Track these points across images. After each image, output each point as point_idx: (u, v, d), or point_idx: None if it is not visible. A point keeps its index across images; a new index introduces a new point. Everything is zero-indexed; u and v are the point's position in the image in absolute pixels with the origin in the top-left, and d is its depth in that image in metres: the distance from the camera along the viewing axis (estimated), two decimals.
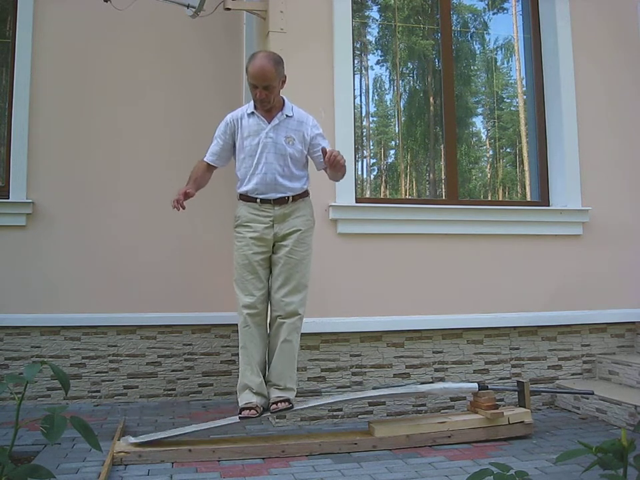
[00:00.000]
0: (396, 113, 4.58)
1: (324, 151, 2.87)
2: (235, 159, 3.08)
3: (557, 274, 3.95)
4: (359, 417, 3.50)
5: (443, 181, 4.24)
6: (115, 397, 4.08)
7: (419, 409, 3.62)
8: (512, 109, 4.75)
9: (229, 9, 3.66)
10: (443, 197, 4.20)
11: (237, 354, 3.13)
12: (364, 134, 4.50)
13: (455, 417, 3.18)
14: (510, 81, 4.77)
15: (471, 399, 3.31)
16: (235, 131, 3.02)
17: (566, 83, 4.10)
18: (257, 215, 2.95)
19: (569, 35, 4.13)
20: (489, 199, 4.64)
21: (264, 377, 2.98)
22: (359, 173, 4.39)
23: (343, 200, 3.62)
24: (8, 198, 4.06)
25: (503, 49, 4.73)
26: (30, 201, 4.06)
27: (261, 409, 2.90)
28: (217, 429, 3.02)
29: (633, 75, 4.24)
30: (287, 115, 2.98)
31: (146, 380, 4.15)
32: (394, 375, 3.62)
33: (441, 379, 3.66)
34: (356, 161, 4.05)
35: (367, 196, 4.29)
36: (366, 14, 4.46)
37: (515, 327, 3.84)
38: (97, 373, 4.09)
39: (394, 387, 3.49)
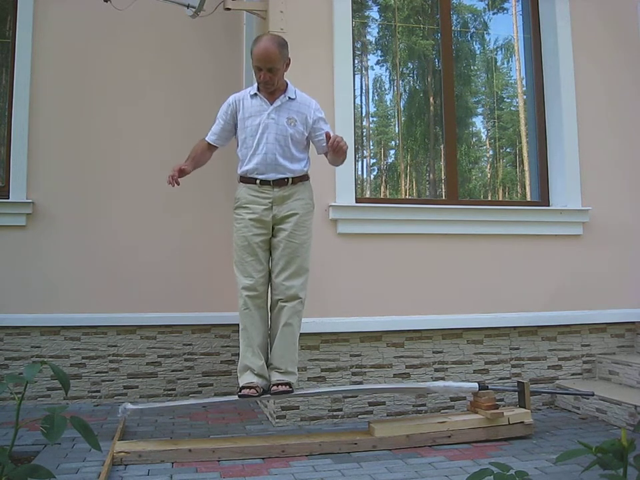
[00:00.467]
0: (396, 113, 4.58)
1: (327, 136, 2.89)
2: (237, 139, 3.09)
3: (557, 274, 3.95)
4: (359, 417, 3.50)
5: (443, 181, 4.23)
6: (115, 397, 4.08)
7: (419, 409, 3.62)
8: (512, 108, 4.75)
9: (229, 9, 3.66)
10: (443, 197, 4.20)
11: (237, 354, 3.13)
12: (364, 134, 4.50)
13: (455, 417, 3.18)
14: (510, 81, 4.77)
15: (471, 398, 3.31)
16: (237, 111, 3.03)
17: (566, 83, 4.10)
18: (256, 197, 2.95)
19: (569, 35, 4.13)
20: (489, 198, 4.64)
21: (266, 360, 2.97)
22: (359, 173, 4.39)
23: (343, 200, 3.62)
24: (8, 198, 4.07)
25: (503, 49, 4.73)
26: (30, 201, 4.06)
27: (261, 389, 2.88)
28: (217, 429, 3.02)
29: (633, 75, 4.24)
30: (289, 97, 2.99)
31: (146, 380, 4.15)
32: (394, 374, 3.62)
33: (441, 379, 3.65)
34: (356, 161, 4.05)
35: (367, 196, 4.29)
36: (366, 14, 4.46)
37: (514, 327, 3.84)
38: (96, 372, 4.09)
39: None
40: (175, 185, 2.92)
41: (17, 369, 3.97)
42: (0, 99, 4.35)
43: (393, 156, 4.72)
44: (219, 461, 2.74)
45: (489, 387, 3.27)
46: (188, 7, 3.70)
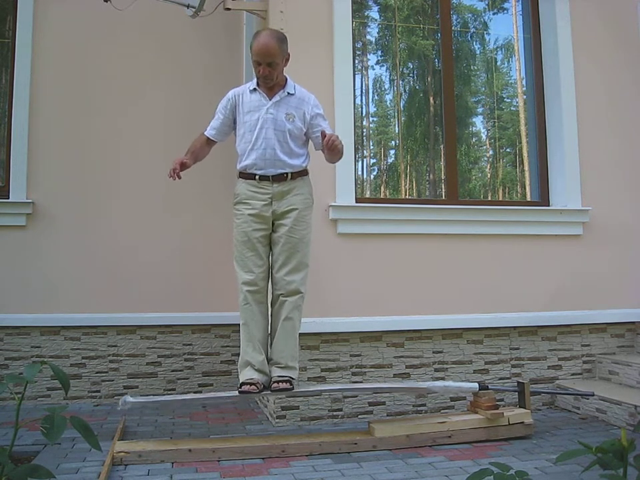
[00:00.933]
0: (396, 113, 4.58)
1: (323, 134, 2.88)
2: (235, 134, 3.09)
3: (557, 274, 3.95)
4: (359, 416, 3.50)
5: (443, 180, 4.23)
6: (115, 397, 4.07)
7: (419, 409, 3.62)
8: (512, 108, 4.75)
9: (229, 9, 3.66)
10: (443, 197, 4.20)
11: (237, 354, 3.13)
12: (364, 134, 4.50)
13: (455, 417, 3.18)
14: (510, 81, 4.77)
15: (471, 399, 3.31)
16: (236, 106, 3.03)
17: (566, 83, 4.10)
18: (255, 192, 2.96)
19: (569, 35, 4.13)
20: (489, 198, 4.64)
21: (266, 355, 2.97)
22: (359, 172, 4.39)
23: (342, 200, 3.62)
24: (8, 198, 4.07)
25: (503, 49, 4.73)
26: (30, 201, 4.07)
27: (262, 385, 2.88)
28: (217, 429, 3.02)
29: (633, 75, 4.24)
30: (288, 93, 3.00)
31: (146, 380, 4.15)
32: (394, 374, 3.62)
33: (441, 379, 3.65)
34: (356, 161, 4.05)
35: (367, 196, 4.29)
36: (366, 14, 4.46)
37: (514, 327, 3.84)
38: (96, 373, 4.09)
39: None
40: (177, 178, 2.92)
41: (17, 369, 3.97)
42: (0, 98, 4.35)
43: (392, 156, 4.72)
44: (218, 460, 2.74)
45: (489, 387, 3.27)
46: (188, 6, 3.70)
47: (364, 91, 4.47)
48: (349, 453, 2.87)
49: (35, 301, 4.03)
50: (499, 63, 4.73)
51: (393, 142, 4.69)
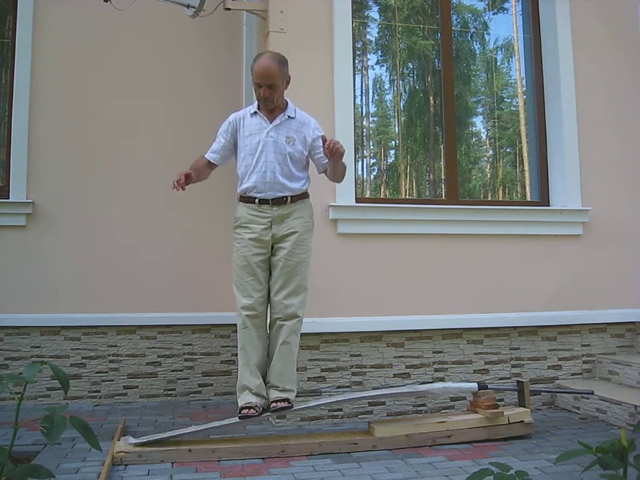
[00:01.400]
0: (396, 113, 4.58)
1: (324, 139, 2.86)
2: (236, 157, 3.09)
3: (557, 274, 3.95)
4: (359, 416, 3.50)
5: (443, 180, 4.23)
6: (115, 397, 4.08)
7: (419, 409, 3.62)
8: (512, 108, 4.75)
9: (229, 9, 3.66)
10: (443, 197, 4.20)
11: (237, 354, 3.13)
12: (364, 134, 4.50)
13: (455, 416, 3.18)
14: (510, 81, 4.77)
15: (470, 398, 3.31)
16: (237, 130, 3.04)
17: (566, 83, 4.10)
18: (255, 216, 2.96)
19: (569, 35, 4.13)
20: (489, 199, 4.64)
21: (263, 378, 2.98)
22: (359, 173, 4.39)
23: (343, 200, 3.62)
24: (8, 198, 4.06)
25: (503, 49, 4.73)
26: (30, 201, 4.06)
27: (261, 408, 2.90)
28: (217, 430, 3.02)
29: (633, 75, 4.24)
30: (289, 116, 3.00)
31: (146, 380, 4.15)
32: (394, 374, 3.62)
33: (441, 379, 3.66)
34: (356, 161, 4.05)
35: (367, 196, 4.29)
36: (366, 14, 4.46)
37: (515, 327, 3.84)
38: (96, 372, 4.09)
39: (394, 387, 3.50)
40: (180, 189, 2.90)
41: (17, 369, 3.97)
42: (0, 98, 4.35)
43: (392, 156, 4.72)
44: (219, 460, 2.74)
45: (489, 386, 3.27)
46: (188, 7, 3.70)
47: (364, 91, 4.47)
48: (348, 453, 2.87)
49: (35, 301, 4.03)
50: (498, 63, 4.73)
51: (393, 142, 4.69)
